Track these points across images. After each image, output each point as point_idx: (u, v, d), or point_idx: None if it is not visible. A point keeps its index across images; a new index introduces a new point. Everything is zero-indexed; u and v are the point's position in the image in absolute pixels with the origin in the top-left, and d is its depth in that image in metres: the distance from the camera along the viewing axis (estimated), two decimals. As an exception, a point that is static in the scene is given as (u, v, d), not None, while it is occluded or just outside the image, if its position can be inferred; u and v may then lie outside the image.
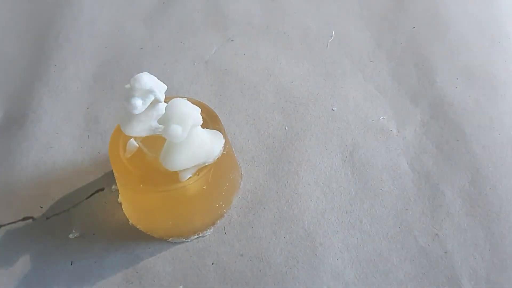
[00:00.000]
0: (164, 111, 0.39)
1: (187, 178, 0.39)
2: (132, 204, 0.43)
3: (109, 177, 0.46)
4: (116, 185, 0.45)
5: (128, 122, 0.39)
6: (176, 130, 0.36)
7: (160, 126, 0.39)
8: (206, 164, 0.40)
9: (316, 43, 0.55)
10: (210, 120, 0.42)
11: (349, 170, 0.44)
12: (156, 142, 0.41)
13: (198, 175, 0.39)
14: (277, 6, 0.59)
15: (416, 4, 0.58)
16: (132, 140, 0.41)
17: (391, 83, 0.51)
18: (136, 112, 0.37)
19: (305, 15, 0.58)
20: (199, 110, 0.38)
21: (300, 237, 0.40)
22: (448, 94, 0.49)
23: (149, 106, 0.38)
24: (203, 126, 0.40)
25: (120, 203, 0.45)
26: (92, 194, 0.45)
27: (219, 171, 0.40)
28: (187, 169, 0.39)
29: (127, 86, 0.38)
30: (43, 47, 0.54)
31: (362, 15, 0.57)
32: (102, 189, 0.45)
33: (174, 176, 0.39)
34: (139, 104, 0.37)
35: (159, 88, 0.38)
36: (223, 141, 0.41)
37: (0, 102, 0.50)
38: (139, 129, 0.40)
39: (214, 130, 0.42)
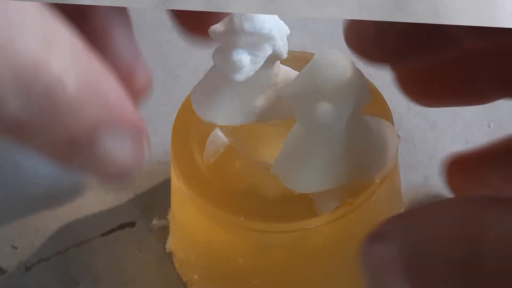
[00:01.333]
0: (287, 77, 0.23)
1: (329, 210, 0.22)
2: (210, 258, 0.25)
3: (145, 201, 0.32)
4: (165, 217, 0.29)
5: (214, 97, 0.22)
6: (327, 112, 0.19)
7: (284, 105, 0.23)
8: (366, 183, 0.22)
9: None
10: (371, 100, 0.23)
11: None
12: (260, 137, 0.25)
13: (352, 204, 0.22)
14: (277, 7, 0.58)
15: (416, 4, 0.58)
16: (218, 132, 0.24)
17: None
18: (241, 77, 0.21)
19: (305, 15, 0.57)
20: (366, 80, 0.21)
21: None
22: (448, 94, 0.49)
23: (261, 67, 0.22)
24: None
25: (170, 253, 0.29)
26: (112, 231, 0.30)
27: (385, 199, 0.24)
28: (329, 190, 0.22)
29: (219, 27, 0.21)
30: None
31: (362, 16, 0.57)
32: (131, 224, 0.29)
33: (303, 205, 0.22)
34: (246, 61, 0.21)
35: (281, 33, 0.22)
36: (398, 139, 0.24)
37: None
38: (232, 110, 0.23)
39: (379, 119, 0.24)
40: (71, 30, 0.19)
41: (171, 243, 0.30)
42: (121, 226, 0.30)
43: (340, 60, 0.20)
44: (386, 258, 0.20)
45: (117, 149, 0.20)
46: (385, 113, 0.26)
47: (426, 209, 0.22)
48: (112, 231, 0.31)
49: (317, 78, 0.20)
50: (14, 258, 0.34)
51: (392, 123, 0.25)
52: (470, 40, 0.25)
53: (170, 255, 0.30)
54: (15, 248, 0.35)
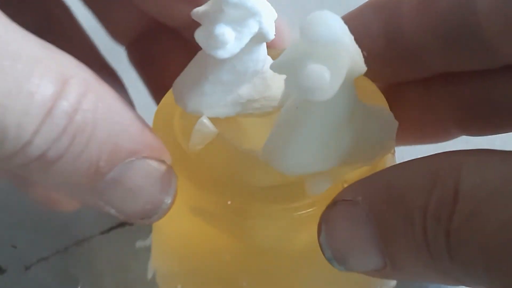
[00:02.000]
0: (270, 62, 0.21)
1: (320, 191, 0.21)
2: (193, 260, 0.24)
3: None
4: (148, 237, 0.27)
5: (196, 86, 0.21)
6: (318, 74, 0.17)
7: (272, 91, 0.22)
8: (361, 167, 0.21)
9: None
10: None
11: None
12: (246, 129, 0.24)
13: (345, 184, 0.21)
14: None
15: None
16: (204, 120, 0.22)
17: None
18: (224, 54, 0.19)
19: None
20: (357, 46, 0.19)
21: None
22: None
23: (244, 48, 0.20)
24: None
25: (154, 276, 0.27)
26: (111, 229, 0.30)
27: None
28: (321, 172, 0.21)
29: (202, 7, 0.20)
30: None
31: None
32: (130, 223, 0.28)
33: (294, 188, 0.21)
34: (230, 36, 0.19)
35: (267, 11, 0.21)
36: (396, 125, 0.22)
37: None
38: (216, 100, 0.21)
39: (377, 105, 0.23)
40: (81, 64, 0.20)
41: (153, 260, 0.28)
42: (121, 224, 0.30)
43: (332, 20, 0.18)
44: (354, 223, 0.19)
45: (143, 178, 0.20)
46: (380, 103, 0.24)
47: (392, 168, 0.21)
48: (111, 229, 0.31)
49: (307, 39, 0.18)
50: (14, 258, 0.34)
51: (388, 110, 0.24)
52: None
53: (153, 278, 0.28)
54: (15, 247, 0.35)
